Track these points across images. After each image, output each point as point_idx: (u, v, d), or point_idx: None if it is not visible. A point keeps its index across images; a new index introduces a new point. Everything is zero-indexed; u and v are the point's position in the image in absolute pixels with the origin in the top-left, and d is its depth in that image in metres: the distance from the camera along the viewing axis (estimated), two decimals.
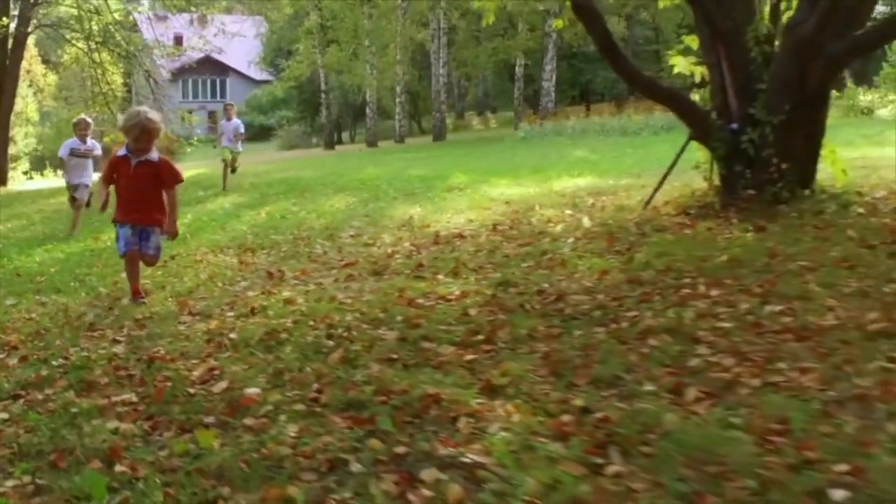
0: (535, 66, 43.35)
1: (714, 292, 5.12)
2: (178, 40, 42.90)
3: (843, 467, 2.78)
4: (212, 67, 67.73)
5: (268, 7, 48.59)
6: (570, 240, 7.52)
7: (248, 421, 3.56)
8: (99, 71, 25.69)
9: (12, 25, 24.98)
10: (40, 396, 4.15)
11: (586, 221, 8.37)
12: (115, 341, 5.11)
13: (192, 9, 28.48)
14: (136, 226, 6.35)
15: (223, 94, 72.69)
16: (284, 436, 3.35)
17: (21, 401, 4.12)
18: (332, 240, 9.08)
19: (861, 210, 7.60)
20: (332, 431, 3.36)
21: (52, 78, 47.16)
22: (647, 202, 9.06)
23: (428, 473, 2.93)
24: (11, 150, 32.70)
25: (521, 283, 5.79)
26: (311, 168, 23.54)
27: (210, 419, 3.64)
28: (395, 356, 4.29)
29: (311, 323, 5.02)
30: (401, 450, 3.15)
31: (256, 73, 66.06)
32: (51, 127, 49.14)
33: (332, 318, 5.12)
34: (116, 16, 26.19)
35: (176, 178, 6.50)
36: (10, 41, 25.16)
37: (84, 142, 11.98)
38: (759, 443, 3.02)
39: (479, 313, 5.05)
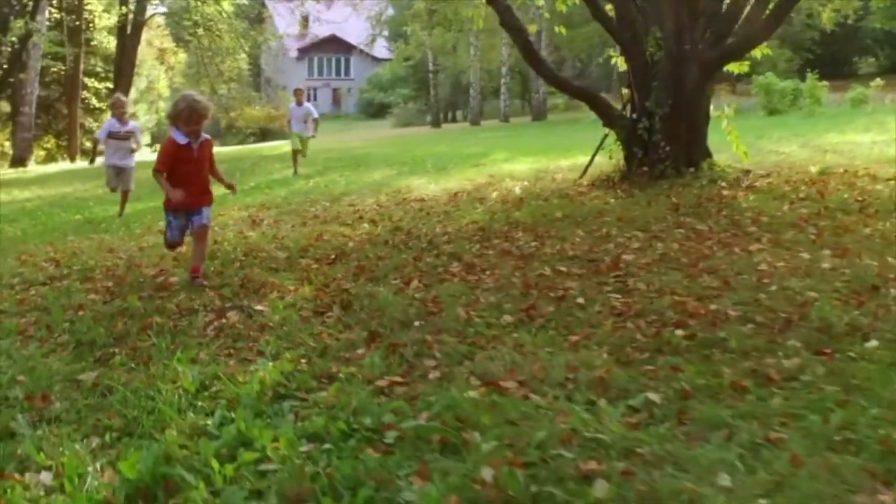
0: None
1: (518, 235, 7.38)
2: (305, 19, 46.52)
3: (442, 316, 5.08)
4: (336, 46, 71.12)
5: None
6: (490, 203, 9.79)
7: (162, 293, 6.08)
8: (209, 53, 28.87)
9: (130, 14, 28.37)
10: (58, 284, 6.77)
11: (517, 190, 10.63)
12: (119, 257, 7.74)
13: None
14: (191, 209, 6.44)
15: (347, 72, 76.28)
16: (176, 299, 5.85)
17: (46, 286, 6.74)
18: (332, 202, 11.51)
19: (724, 185, 9.59)
20: (202, 297, 5.84)
21: (182, 56, 51.27)
22: (581, 175, 11.25)
23: (231, 313, 5.38)
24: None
25: (406, 229, 8.15)
26: (391, 146, 25.97)
27: (144, 293, 6.16)
28: (273, 266, 6.75)
29: (241, 248, 7.51)
30: (227, 304, 5.61)
31: (379, 52, 68.79)
32: None
33: (259, 245, 7.62)
34: (226, 4, 29.36)
35: None
36: (129, 28, 28.57)
37: (124, 122, 11.85)
38: (417, 305, 5.33)
39: (355, 245, 7.46)
